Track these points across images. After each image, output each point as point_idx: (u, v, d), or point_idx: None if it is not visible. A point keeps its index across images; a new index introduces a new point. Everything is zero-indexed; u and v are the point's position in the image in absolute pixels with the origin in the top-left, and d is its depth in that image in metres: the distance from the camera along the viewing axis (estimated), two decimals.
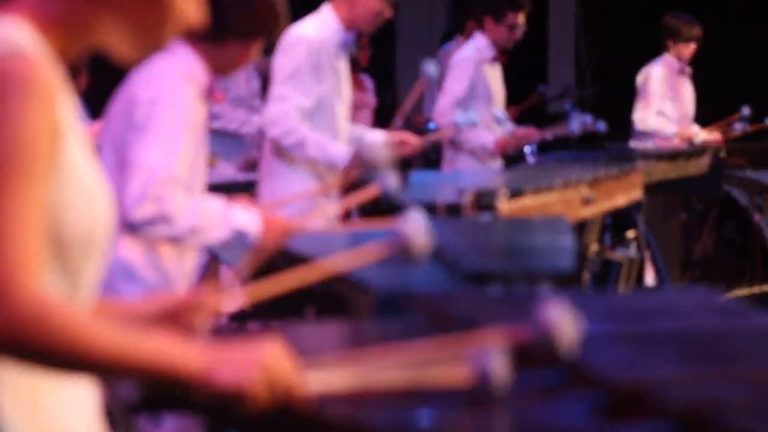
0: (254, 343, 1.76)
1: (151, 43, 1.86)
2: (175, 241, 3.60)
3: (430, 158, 7.68)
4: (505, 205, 4.68)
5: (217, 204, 3.61)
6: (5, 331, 1.67)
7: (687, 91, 8.68)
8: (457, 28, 9.55)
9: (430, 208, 4.60)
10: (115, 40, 1.84)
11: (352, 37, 5.23)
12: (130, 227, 3.55)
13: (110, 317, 2.02)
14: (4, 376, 1.79)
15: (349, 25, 5.16)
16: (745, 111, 8.60)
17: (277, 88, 5.07)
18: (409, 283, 2.86)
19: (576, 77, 11.34)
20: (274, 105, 5.07)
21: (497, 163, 6.72)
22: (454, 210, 4.52)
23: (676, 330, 2.34)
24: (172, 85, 3.52)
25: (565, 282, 4.25)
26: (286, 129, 5.05)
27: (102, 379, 1.87)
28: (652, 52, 8.58)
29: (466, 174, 5.30)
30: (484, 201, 4.55)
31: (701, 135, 8.57)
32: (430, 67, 4.94)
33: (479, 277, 3.05)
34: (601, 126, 7.09)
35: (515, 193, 4.78)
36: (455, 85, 6.75)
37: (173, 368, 1.71)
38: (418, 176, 5.10)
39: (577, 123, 6.94)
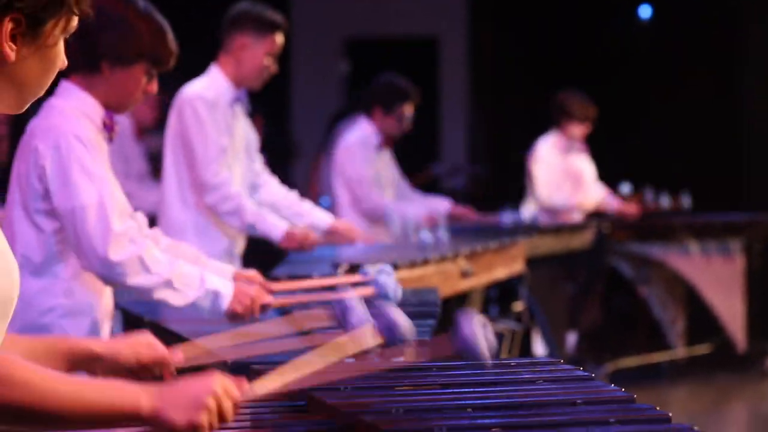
0: (199, 378, 1.88)
1: (35, 95, 1.94)
2: (146, 291, 3.44)
3: None
4: None
5: (191, 265, 3.53)
6: None
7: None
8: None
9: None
10: (2, 102, 1.90)
11: (243, 94, 5.23)
12: (105, 268, 3.37)
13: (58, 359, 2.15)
14: None
15: (237, 82, 5.17)
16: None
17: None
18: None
19: (467, 155, 11.49)
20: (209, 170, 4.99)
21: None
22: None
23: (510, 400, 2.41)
24: (69, 126, 3.43)
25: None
26: (223, 195, 4.99)
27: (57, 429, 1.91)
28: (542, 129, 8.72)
29: (342, 249, 5.40)
30: None
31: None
32: None
33: None
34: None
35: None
36: (361, 170, 6.92)
37: (127, 411, 1.80)
38: (294, 254, 5.19)
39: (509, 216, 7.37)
